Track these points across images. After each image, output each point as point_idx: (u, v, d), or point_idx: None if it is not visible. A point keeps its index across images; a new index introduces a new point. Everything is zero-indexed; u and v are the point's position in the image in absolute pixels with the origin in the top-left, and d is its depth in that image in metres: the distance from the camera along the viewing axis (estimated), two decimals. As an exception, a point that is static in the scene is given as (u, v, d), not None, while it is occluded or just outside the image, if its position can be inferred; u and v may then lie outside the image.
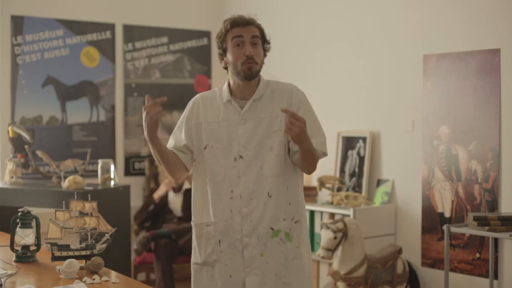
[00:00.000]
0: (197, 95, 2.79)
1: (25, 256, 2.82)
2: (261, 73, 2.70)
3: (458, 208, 4.27)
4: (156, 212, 5.46)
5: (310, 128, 2.61)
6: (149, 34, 5.84)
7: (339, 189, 4.90)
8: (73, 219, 2.75)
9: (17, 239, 2.83)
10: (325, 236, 4.10)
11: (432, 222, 4.41)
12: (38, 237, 2.88)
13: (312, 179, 5.08)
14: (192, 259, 2.75)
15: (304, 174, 2.80)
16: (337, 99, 5.06)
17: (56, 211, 2.78)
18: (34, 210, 2.95)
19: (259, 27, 2.69)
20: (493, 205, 4.07)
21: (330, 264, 4.38)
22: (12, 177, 4.65)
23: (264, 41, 2.70)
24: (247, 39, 2.63)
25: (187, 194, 5.37)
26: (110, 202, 4.25)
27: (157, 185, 5.69)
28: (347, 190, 4.87)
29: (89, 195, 3.01)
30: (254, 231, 2.63)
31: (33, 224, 2.86)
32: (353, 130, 4.90)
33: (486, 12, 4.12)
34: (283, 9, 5.45)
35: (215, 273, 2.66)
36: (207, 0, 6.11)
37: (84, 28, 5.52)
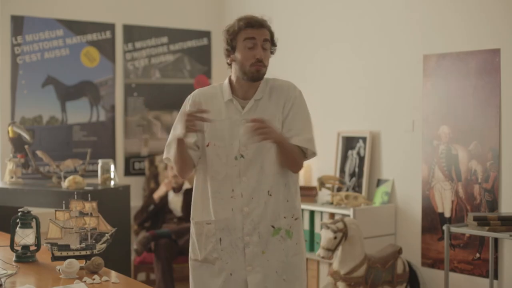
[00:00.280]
0: (196, 91, 2.78)
1: (25, 256, 2.82)
2: None
3: (458, 208, 4.27)
4: (156, 212, 5.46)
5: (299, 126, 2.66)
6: (149, 34, 5.84)
7: (339, 189, 4.90)
8: (73, 219, 2.75)
9: (17, 239, 2.83)
10: (325, 236, 4.10)
11: (432, 222, 4.41)
12: (38, 237, 2.88)
13: (312, 179, 5.08)
14: (191, 256, 2.75)
15: (304, 174, 2.81)
16: (337, 99, 5.05)
17: (56, 211, 2.78)
18: (34, 210, 2.95)
19: (270, 31, 2.69)
20: (493, 205, 4.07)
21: (330, 264, 4.38)
22: (12, 177, 4.65)
23: (272, 44, 2.69)
24: (259, 41, 2.62)
25: (187, 194, 5.37)
26: (110, 202, 4.25)
27: (157, 185, 5.69)
28: (347, 190, 4.87)
29: (89, 195, 3.01)
30: (255, 229, 2.65)
31: (33, 224, 2.86)
32: (353, 130, 4.90)
33: (486, 12, 4.12)
34: (283, 9, 5.45)
35: (216, 270, 2.67)
36: (207, 0, 6.11)
37: (84, 28, 5.52)
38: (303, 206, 4.69)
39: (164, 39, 5.91)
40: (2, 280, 2.45)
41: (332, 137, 4.96)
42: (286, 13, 5.40)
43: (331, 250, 4.10)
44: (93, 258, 2.61)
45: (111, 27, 5.66)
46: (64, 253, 2.69)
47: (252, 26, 2.63)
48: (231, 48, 2.66)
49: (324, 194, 4.87)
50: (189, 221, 2.96)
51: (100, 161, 4.58)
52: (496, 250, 4.06)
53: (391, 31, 4.68)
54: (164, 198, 5.47)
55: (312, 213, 4.74)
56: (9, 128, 4.76)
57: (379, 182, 4.73)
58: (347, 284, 4.08)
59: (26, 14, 5.28)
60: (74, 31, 5.48)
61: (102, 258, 2.63)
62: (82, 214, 2.78)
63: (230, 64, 2.71)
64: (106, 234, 2.77)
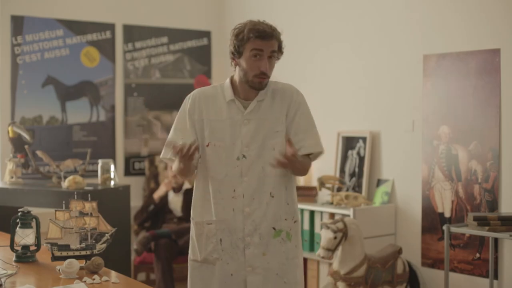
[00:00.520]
0: (195, 91, 2.77)
1: (25, 256, 2.82)
2: None
3: (458, 208, 4.27)
4: (156, 212, 5.46)
5: (305, 131, 2.69)
6: (149, 34, 5.84)
7: (339, 189, 4.90)
8: (73, 219, 2.76)
9: (17, 239, 2.83)
10: (325, 236, 4.10)
11: (432, 222, 4.41)
12: (38, 237, 2.88)
13: (312, 179, 5.08)
14: (191, 256, 2.76)
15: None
16: (337, 99, 5.06)
17: (56, 211, 2.78)
18: (34, 210, 2.95)
19: (279, 39, 2.65)
20: (493, 205, 4.07)
21: (330, 264, 4.38)
22: (12, 177, 4.65)
23: (279, 51, 2.67)
24: (266, 53, 2.60)
25: (187, 194, 5.37)
26: (110, 202, 4.25)
27: (157, 185, 5.69)
28: (347, 190, 4.87)
29: (89, 195, 3.01)
30: (256, 230, 2.65)
31: (33, 224, 2.86)
32: (353, 130, 4.90)
33: (486, 12, 4.12)
34: (283, 9, 5.45)
35: (216, 271, 2.67)
36: (207, 0, 6.11)
37: (84, 28, 5.52)
38: (303, 206, 4.70)
39: (164, 39, 5.91)
40: (2, 280, 2.45)
41: (332, 137, 4.96)
42: (286, 13, 5.40)
43: (331, 250, 4.09)
44: (93, 258, 2.61)
45: (111, 27, 5.66)
46: (64, 253, 2.69)
47: (262, 38, 2.58)
48: (237, 53, 2.64)
49: (324, 194, 4.87)
50: (189, 221, 2.96)
51: (100, 161, 4.58)
52: (496, 250, 4.06)
53: (391, 31, 4.68)
54: (164, 198, 5.47)
55: (312, 213, 4.74)
56: (9, 128, 4.76)
57: (379, 182, 4.73)
58: (347, 284, 4.08)
59: (26, 14, 5.28)
60: (74, 31, 5.48)
61: (102, 258, 2.63)
62: (82, 214, 2.79)
63: (234, 65, 2.70)
64: (106, 234, 2.77)
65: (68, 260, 2.54)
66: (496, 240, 4.02)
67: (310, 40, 5.26)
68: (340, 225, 4.09)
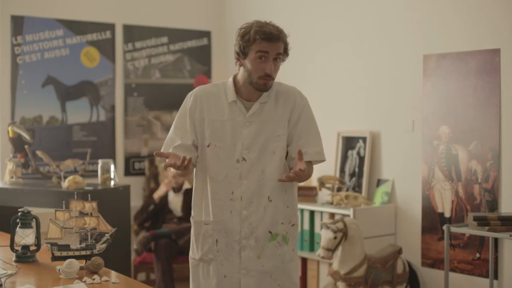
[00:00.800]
0: (197, 89, 2.74)
1: (25, 256, 2.82)
2: None
3: (458, 208, 4.27)
4: (156, 212, 5.46)
5: (308, 137, 2.68)
6: (149, 34, 5.84)
7: (339, 189, 4.90)
8: (73, 219, 2.75)
9: (17, 239, 2.83)
10: (325, 236, 4.10)
11: (432, 222, 4.41)
12: (38, 237, 2.88)
13: (312, 179, 5.08)
14: (190, 254, 2.77)
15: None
16: (337, 99, 5.06)
17: (56, 211, 2.78)
18: (34, 210, 2.95)
19: (284, 42, 2.64)
20: (493, 205, 4.07)
21: (330, 264, 4.38)
22: (12, 177, 4.65)
23: (285, 53, 2.66)
24: (271, 56, 2.58)
25: (187, 194, 5.37)
26: (110, 202, 4.25)
27: (157, 185, 5.69)
28: (347, 190, 4.87)
29: (89, 195, 3.01)
30: (252, 233, 2.65)
31: (33, 224, 2.86)
32: (353, 130, 4.90)
33: (486, 12, 4.12)
34: (283, 9, 5.45)
35: (210, 271, 2.67)
36: (207, 0, 6.11)
37: (84, 28, 5.52)
38: (303, 206, 4.70)
39: (164, 39, 5.91)
40: (2, 280, 2.45)
41: (332, 137, 4.96)
42: (286, 13, 5.40)
43: (331, 250, 4.09)
44: (93, 258, 2.61)
45: (111, 27, 5.66)
46: (64, 253, 2.69)
47: (268, 40, 2.57)
48: (242, 54, 2.61)
49: (324, 194, 4.87)
50: (189, 221, 2.97)
51: (100, 161, 4.58)
52: (496, 250, 4.06)
53: (391, 31, 4.68)
54: (164, 198, 5.47)
55: (312, 213, 4.74)
56: (9, 128, 4.76)
57: (379, 182, 4.73)
58: (347, 284, 4.08)
59: (26, 14, 5.28)
60: (74, 31, 5.48)
61: (102, 258, 2.63)
62: (82, 214, 2.79)
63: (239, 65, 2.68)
64: (106, 234, 2.77)
65: (68, 260, 2.54)
66: (496, 240, 4.02)
67: (310, 40, 5.26)
68: (340, 225, 4.09)
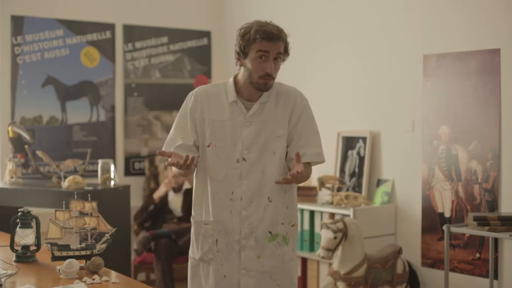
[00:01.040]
0: (198, 89, 2.74)
1: (25, 256, 2.82)
2: None
3: (458, 208, 4.27)
4: (156, 212, 5.46)
5: (308, 137, 2.68)
6: (149, 34, 5.84)
7: (339, 189, 4.90)
8: (73, 219, 2.76)
9: (17, 239, 2.83)
10: (325, 236, 4.10)
11: (432, 222, 4.41)
12: (38, 237, 2.88)
13: (312, 179, 5.08)
14: (190, 253, 2.77)
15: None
16: (337, 99, 5.06)
17: (56, 211, 2.78)
18: (34, 210, 2.95)
19: (285, 41, 2.65)
20: (493, 205, 4.07)
21: (330, 264, 4.38)
22: (12, 177, 4.65)
23: (285, 53, 2.66)
24: (272, 55, 2.59)
25: (187, 194, 5.37)
26: (110, 202, 4.25)
27: (157, 185, 5.69)
28: (347, 190, 4.87)
29: (89, 195, 3.01)
30: (252, 233, 2.65)
31: (33, 224, 2.86)
32: (353, 130, 4.90)
33: (486, 12, 4.12)
34: (283, 9, 5.45)
35: (210, 271, 2.67)
36: (207, 0, 6.11)
37: (84, 28, 5.52)
38: (303, 206, 4.70)
39: (164, 39, 5.91)
40: (2, 280, 2.45)
41: (332, 137, 4.96)
42: (286, 13, 5.40)
43: (331, 250, 4.09)
44: (93, 258, 2.61)
45: (111, 27, 5.66)
46: (64, 253, 2.69)
47: (269, 39, 2.57)
48: (242, 54, 2.62)
49: (324, 194, 4.87)
50: (189, 221, 2.97)
51: (100, 161, 4.58)
52: (496, 250, 4.06)
53: (391, 31, 4.68)
54: (164, 198, 5.47)
55: (312, 213, 4.74)
56: (9, 128, 4.76)
57: (379, 182, 4.73)
58: (347, 284, 4.08)
59: (26, 14, 5.28)
60: (74, 31, 5.48)
61: (102, 258, 2.63)
62: (82, 214, 2.79)
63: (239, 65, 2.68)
64: (106, 234, 2.77)
65: (68, 260, 2.54)
66: (496, 240, 4.02)
67: (310, 40, 5.26)
68: (340, 225, 4.09)
